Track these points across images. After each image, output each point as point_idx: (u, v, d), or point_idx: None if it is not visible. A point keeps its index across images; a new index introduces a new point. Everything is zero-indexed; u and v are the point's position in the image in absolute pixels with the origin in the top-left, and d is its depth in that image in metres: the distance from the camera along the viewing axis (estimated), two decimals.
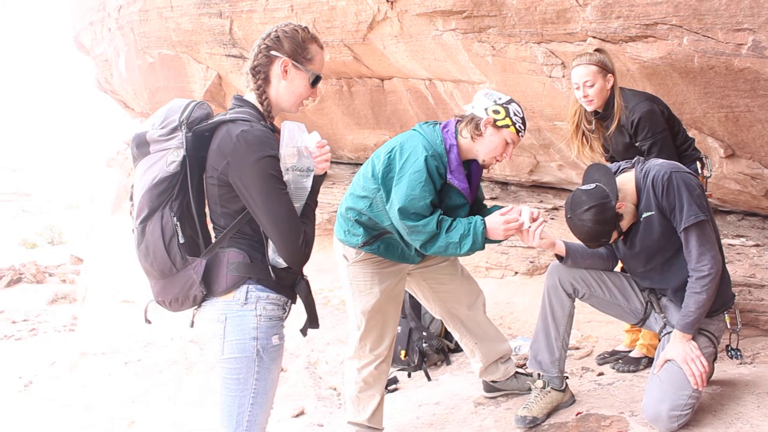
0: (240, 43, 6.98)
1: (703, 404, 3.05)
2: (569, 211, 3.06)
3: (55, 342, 10.61)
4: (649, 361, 3.80)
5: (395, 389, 4.51)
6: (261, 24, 6.30)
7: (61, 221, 27.24)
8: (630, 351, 4.03)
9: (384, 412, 3.65)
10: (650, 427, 2.96)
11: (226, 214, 2.33)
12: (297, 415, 4.52)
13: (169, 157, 2.27)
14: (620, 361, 3.98)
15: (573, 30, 4.24)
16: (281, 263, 2.36)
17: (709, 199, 3.57)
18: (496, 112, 3.11)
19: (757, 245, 4.93)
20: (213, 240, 2.39)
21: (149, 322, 2.52)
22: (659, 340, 3.24)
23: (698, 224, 2.90)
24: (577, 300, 3.35)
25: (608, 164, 3.31)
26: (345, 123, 7.42)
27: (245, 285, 2.31)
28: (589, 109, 3.73)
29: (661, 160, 3.10)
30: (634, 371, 3.84)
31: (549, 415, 3.35)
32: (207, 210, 2.43)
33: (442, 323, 4.77)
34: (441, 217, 3.09)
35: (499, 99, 3.15)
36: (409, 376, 4.65)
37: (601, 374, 3.94)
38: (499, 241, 3.23)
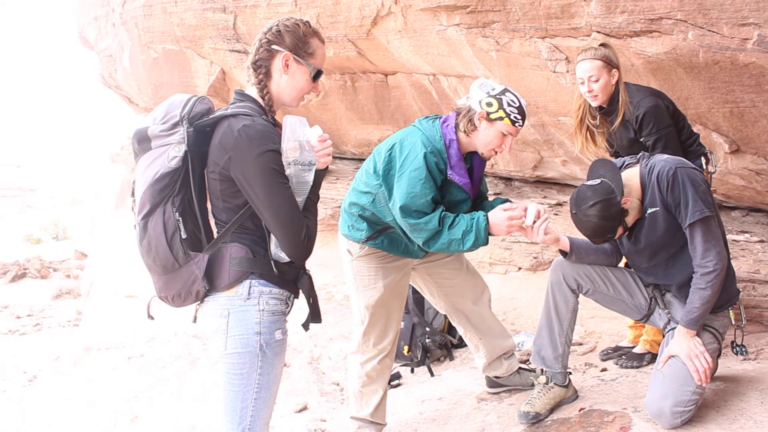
0: (244, 38, 6.97)
1: (706, 400, 3.04)
2: (574, 207, 3.05)
3: (59, 337, 10.63)
4: (653, 357, 3.79)
5: (398, 384, 4.51)
6: (265, 19, 6.30)
7: (65, 217, 27.27)
8: (633, 347, 4.03)
9: (387, 407, 3.65)
10: (653, 423, 2.95)
11: (227, 209, 2.33)
12: (300, 411, 4.52)
13: (170, 153, 2.27)
14: (623, 356, 3.97)
15: (577, 25, 4.22)
16: (284, 258, 2.36)
17: (714, 195, 3.56)
18: (489, 104, 3.05)
19: (762, 241, 4.92)
20: (215, 235, 2.38)
21: (152, 318, 2.52)
22: (663, 336, 3.23)
23: (703, 220, 2.88)
24: (580, 296, 3.34)
25: (613, 159, 3.29)
26: (348, 118, 7.41)
27: (248, 280, 2.31)
28: (594, 104, 3.72)
29: (665, 156, 3.09)
30: (637, 367, 3.83)
31: (552, 410, 3.35)
32: (209, 205, 2.42)
33: (445, 318, 4.78)
34: (443, 213, 3.07)
35: (492, 90, 3.07)
36: (412, 371, 4.65)
37: (604, 370, 3.93)
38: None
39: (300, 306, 2.51)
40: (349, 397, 3.66)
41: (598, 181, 3.02)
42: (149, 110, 10.05)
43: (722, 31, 3.62)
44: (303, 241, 2.27)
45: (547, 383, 3.37)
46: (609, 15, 3.99)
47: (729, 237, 4.92)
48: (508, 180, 7.17)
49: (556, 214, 5.98)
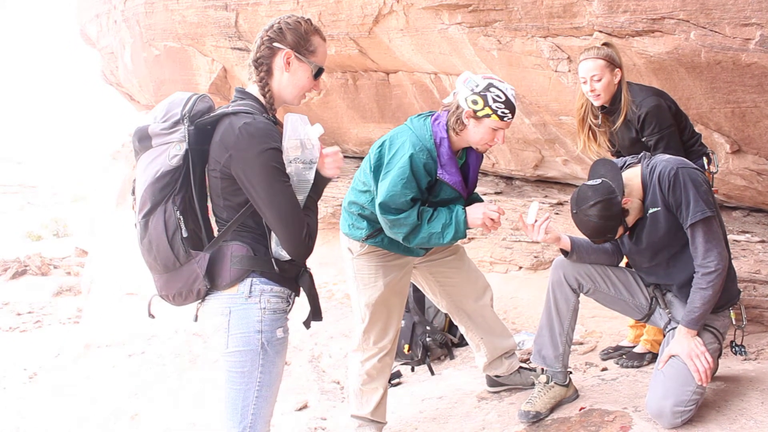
0: (245, 36, 6.98)
1: (706, 400, 3.04)
2: (575, 207, 3.05)
3: (59, 334, 10.62)
4: (653, 357, 3.79)
5: (398, 383, 4.51)
6: (267, 17, 6.30)
7: (66, 214, 27.28)
8: (634, 346, 4.03)
9: (387, 405, 3.66)
10: (654, 422, 2.95)
11: (228, 207, 2.32)
12: (300, 409, 4.52)
13: (171, 151, 2.26)
14: (624, 356, 3.97)
15: (579, 24, 4.22)
16: (285, 256, 2.36)
17: (715, 195, 3.56)
18: (475, 102, 3.00)
19: (763, 241, 4.92)
20: (216, 234, 2.38)
21: (153, 317, 2.52)
22: (664, 336, 3.23)
23: (705, 220, 2.88)
24: (581, 295, 3.34)
25: (614, 159, 3.29)
26: (350, 117, 7.41)
27: (249, 278, 2.31)
28: (596, 103, 3.71)
29: (667, 156, 3.09)
30: (637, 367, 3.83)
31: (552, 410, 3.35)
32: (209, 203, 2.42)
33: (446, 317, 4.78)
34: (422, 208, 3.07)
35: (477, 87, 3.00)
36: (413, 370, 4.66)
37: (604, 369, 3.94)
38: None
39: (301, 304, 2.51)
40: (350, 396, 3.66)
41: (598, 180, 3.02)
42: (150, 108, 10.05)
43: (724, 31, 3.61)
44: (304, 240, 2.27)
45: (547, 382, 3.37)
46: (611, 14, 3.98)
47: (730, 237, 4.92)
48: (509, 179, 7.17)
49: (557, 214, 5.97)
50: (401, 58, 5.91)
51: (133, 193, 2.35)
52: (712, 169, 3.75)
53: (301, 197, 2.32)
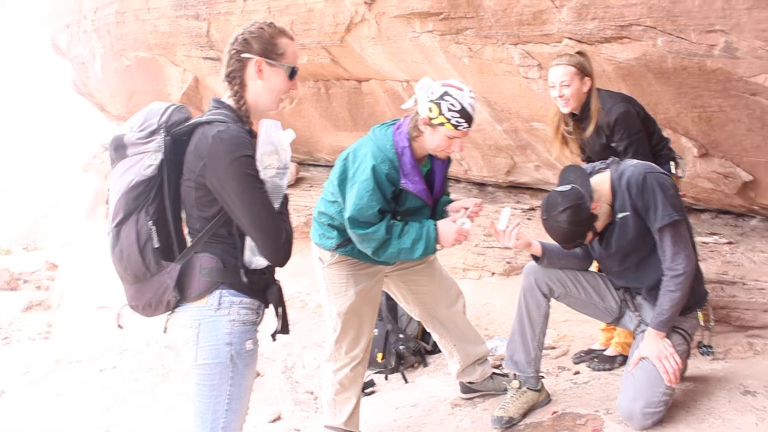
0: (217, 46, 6.95)
1: (676, 400, 3.06)
2: (545, 213, 3.07)
3: (29, 350, 10.43)
4: (624, 359, 3.81)
5: (372, 392, 4.49)
6: (238, 26, 6.18)
7: (36, 227, 26.91)
8: (605, 349, 4.04)
9: (361, 415, 3.63)
10: (624, 424, 2.97)
11: (201, 218, 2.30)
12: (273, 420, 4.48)
13: (146, 161, 2.25)
14: (596, 359, 3.99)
15: (549, 31, 4.26)
16: (260, 264, 2.34)
17: (683, 198, 3.60)
18: (430, 110, 2.97)
19: (730, 243, 4.99)
20: (188, 245, 2.36)
21: (121, 327, 2.49)
22: (634, 338, 3.25)
23: (673, 224, 2.91)
24: (552, 300, 3.36)
25: (583, 165, 3.32)
26: (322, 125, 7.41)
27: (218, 290, 2.29)
28: (564, 110, 3.74)
29: (635, 161, 3.12)
30: (609, 369, 3.85)
31: (525, 414, 3.35)
32: (183, 214, 2.40)
33: (419, 325, 4.77)
34: (391, 222, 3.05)
35: (432, 94, 2.96)
36: (386, 378, 4.64)
37: (577, 373, 3.95)
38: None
39: (272, 315, 2.50)
40: (323, 406, 3.63)
41: (568, 186, 3.04)
42: (122, 118, 10.00)
43: (690, 38, 3.66)
44: (283, 245, 2.26)
45: (520, 388, 3.38)
46: (580, 21, 4.03)
47: (698, 239, 4.98)
48: (481, 185, 7.20)
49: (530, 219, 6.01)
50: (373, 67, 5.92)
51: (107, 201, 2.33)
52: (679, 173, 3.80)
53: (276, 203, 2.30)
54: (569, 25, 4.10)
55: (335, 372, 3.49)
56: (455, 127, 2.97)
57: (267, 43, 2.34)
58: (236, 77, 2.35)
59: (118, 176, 2.29)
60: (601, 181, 3.11)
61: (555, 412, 3.28)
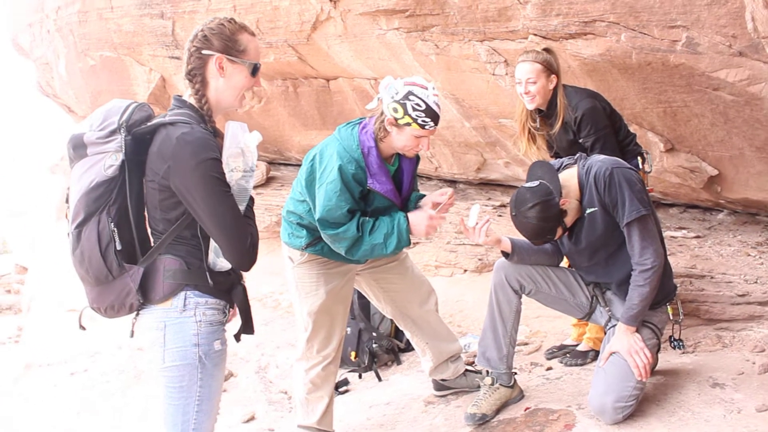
0: (183, 45, 6.85)
1: (647, 394, 3.09)
2: (514, 209, 3.07)
3: None
4: (596, 355, 3.83)
5: (346, 391, 4.48)
6: None
7: (4, 230, 26.45)
8: (577, 345, 4.07)
9: (335, 413, 3.62)
10: (596, 419, 2.99)
11: (165, 220, 2.26)
12: (247, 421, 4.46)
13: (107, 161, 2.19)
14: (568, 355, 4.01)
15: (514, 28, 4.27)
16: (224, 266, 2.31)
17: (651, 193, 3.63)
18: (395, 110, 2.95)
19: (698, 237, 5.05)
20: (152, 246, 2.33)
21: (84, 329, 2.46)
22: (605, 334, 3.28)
23: (640, 219, 2.94)
24: (524, 296, 3.37)
25: (551, 161, 3.33)
26: (291, 124, 7.37)
27: (183, 292, 2.26)
28: (530, 107, 3.74)
29: (602, 156, 3.14)
30: (581, 365, 3.88)
31: (498, 411, 3.36)
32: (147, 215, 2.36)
33: (392, 323, 4.77)
34: (361, 219, 3.04)
35: (396, 94, 2.94)
36: (360, 377, 4.63)
37: (549, 369, 3.97)
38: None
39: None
40: (296, 405, 3.62)
41: (536, 182, 3.05)
42: None
43: (653, 33, 3.70)
44: (249, 249, 2.22)
45: (492, 384, 3.39)
46: (545, 18, 4.05)
47: (667, 233, 5.04)
48: (452, 182, 7.22)
49: (500, 216, 6.04)
50: (341, 65, 5.90)
51: (67, 201, 2.28)
52: (646, 168, 3.82)
53: (242, 206, 2.27)
54: (534, 21, 4.11)
55: (307, 371, 3.47)
56: (422, 126, 2.96)
57: (228, 40, 2.29)
58: (197, 75, 2.30)
59: (78, 176, 2.23)
60: (570, 177, 3.13)
61: (528, 408, 3.30)
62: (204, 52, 2.27)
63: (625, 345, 2.99)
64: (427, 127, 2.96)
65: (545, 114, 3.79)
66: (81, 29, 8.01)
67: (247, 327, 2.48)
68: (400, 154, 3.20)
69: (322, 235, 3.08)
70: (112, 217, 2.20)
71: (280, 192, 7.72)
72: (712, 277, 4.26)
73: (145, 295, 2.25)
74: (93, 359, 6.61)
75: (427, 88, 2.97)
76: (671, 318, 3.24)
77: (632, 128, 4.21)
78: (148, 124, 2.24)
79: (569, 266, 3.48)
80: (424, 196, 3.31)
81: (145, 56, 7.61)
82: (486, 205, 6.37)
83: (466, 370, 3.80)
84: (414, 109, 2.92)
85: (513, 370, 3.44)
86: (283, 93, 6.95)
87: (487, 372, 3.43)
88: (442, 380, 3.79)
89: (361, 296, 4.55)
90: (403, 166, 3.26)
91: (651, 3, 3.56)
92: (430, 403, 3.81)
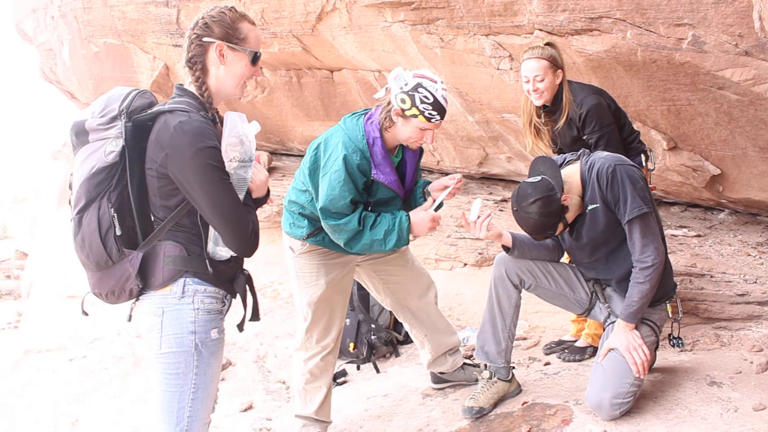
0: None
1: (644, 391, 3.10)
2: (515, 204, 3.07)
3: None
4: (595, 351, 3.84)
5: (344, 382, 4.50)
6: None
7: (6, 215, 26.49)
8: (576, 341, 4.08)
9: (332, 404, 3.64)
10: (593, 415, 3.00)
11: (164, 207, 2.27)
12: (245, 410, 4.47)
13: (107, 147, 2.20)
14: (566, 350, 4.02)
15: (520, 23, 4.26)
16: (223, 255, 2.32)
17: (653, 191, 3.63)
18: (403, 101, 2.96)
19: (699, 235, 5.05)
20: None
21: (86, 314, 2.47)
22: (604, 330, 3.28)
23: (641, 216, 2.94)
24: (524, 291, 3.38)
25: (554, 156, 3.33)
26: (294, 115, 7.37)
27: (182, 278, 2.27)
28: (537, 103, 3.73)
29: (605, 153, 3.14)
30: (579, 360, 3.89)
31: (495, 405, 3.38)
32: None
33: (391, 315, 4.77)
34: (364, 213, 3.05)
35: (405, 85, 2.95)
36: (358, 368, 4.64)
37: (547, 364, 3.98)
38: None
39: (240, 305, 2.48)
40: (294, 395, 3.63)
41: (538, 178, 3.05)
42: None
43: (659, 31, 3.69)
44: (250, 237, 2.24)
45: (490, 378, 3.40)
46: (551, 13, 4.03)
47: (668, 232, 5.04)
48: None
49: (501, 211, 6.04)
50: (345, 56, 5.89)
51: (71, 187, 2.30)
52: (650, 166, 3.82)
53: (241, 195, 2.28)
54: (540, 17, 4.10)
55: (306, 361, 3.49)
56: (428, 119, 2.97)
57: (228, 27, 2.29)
58: (197, 62, 2.31)
59: (80, 162, 2.25)
60: (572, 173, 3.13)
61: (525, 403, 3.31)
62: (205, 39, 2.28)
63: (623, 341, 2.99)
64: (433, 120, 2.98)
65: (550, 109, 3.78)
66: (85, 16, 7.99)
67: (254, 314, 2.50)
68: (404, 147, 3.21)
69: (323, 225, 3.08)
70: (112, 203, 2.22)
71: (281, 182, 7.72)
72: (711, 276, 4.27)
73: (145, 280, 2.26)
74: (92, 346, 6.63)
75: (436, 82, 2.98)
76: (670, 316, 3.25)
77: (636, 126, 4.20)
78: (149, 111, 2.25)
79: (570, 262, 3.48)
80: (430, 183, 3.31)
81: (149, 44, 7.60)
82: (487, 200, 6.37)
83: (465, 364, 3.82)
84: (422, 101, 2.94)
85: (511, 365, 3.45)
86: (286, 83, 6.94)
87: (485, 366, 3.44)
88: (440, 373, 3.80)
89: (360, 287, 4.57)
90: (406, 158, 3.27)
91: (658, 0, 3.55)
92: (428, 396, 3.82)
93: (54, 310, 8.17)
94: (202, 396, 2.34)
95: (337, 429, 3.73)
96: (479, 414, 3.32)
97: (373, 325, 4.72)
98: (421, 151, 3.35)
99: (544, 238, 3.18)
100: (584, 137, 3.68)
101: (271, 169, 8.36)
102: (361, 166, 3.01)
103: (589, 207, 3.08)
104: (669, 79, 3.98)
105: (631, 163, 3.08)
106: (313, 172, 3.12)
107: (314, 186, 3.11)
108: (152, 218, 2.32)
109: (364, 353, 4.66)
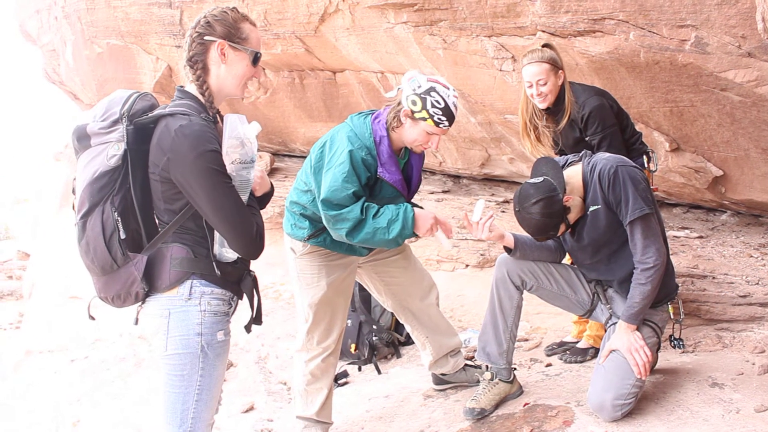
0: None
1: (646, 392, 3.10)
2: (517, 205, 3.07)
3: (0, 340, 10.34)
4: (596, 352, 3.84)
5: (345, 383, 4.50)
6: None
7: (8, 216, 26.51)
8: (577, 342, 4.08)
9: (334, 405, 3.64)
10: (595, 416, 3.00)
11: (169, 211, 2.27)
12: (246, 411, 4.47)
13: (109, 151, 2.20)
14: (568, 352, 4.02)
15: (523, 24, 4.26)
16: (229, 257, 2.32)
17: (656, 192, 3.64)
18: (414, 102, 2.97)
19: (701, 237, 5.05)
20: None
21: (93, 319, 2.47)
22: (605, 331, 3.28)
23: (643, 217, 2.93)
24: (526, 292, 3.37)
25: (556, 157, 3.33)
26: (297, 116, 7.37)
27: (189, 280, 2.27)
28: (542, 106, 3.71)
29: (607, 154, 3.14)
30: (581, 362, 3.88)
31: (497, 406, 3.37)
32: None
33: (392, 316, 4.77)
34: (366, 204, 3.03)
35: (419, 87, 2.96)
36: (360, 369, 4.64)
37: (549, 365, 3.98)
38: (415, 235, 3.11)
39: (246, 306, 2.48)
40: (295, 397, 3.63)
41: (540, 179, 3.05)
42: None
43: (662, 32, 3.69)
44: (255, 239, 2.24)
45: (492, 379, 3.39)
46: (554, 14, 4.03)
47: (670, 233, 5.04)
48: (456, 178, 7.22)
49: (503, 212, 6.04)
50: (348, 57, 5.90)
51: (74, 192, 2.29)
52: (652, 167, 3.82)
53: (244, 197, 2.28)
54: (543, 18, 4.10)
55: (307, 362, 3.48)
56: (436, 124, 2.98)
57: (230, 27, 2.30)
58: (198, 61, 2.31)
59: (82, 167, 2.24)
60: (574, 174, 3.12)
61: (527, 404, 3.30)
62: (206, 38, 2.28)
63: (625, 343, 2.99)
64: (441, 125, 2.99)
65: (552, 111, 3.77)
66: (89, 16, 8.00)
67: (257, 317, 2.49)
68: (409, 150, 3.21)
69: (324, 218, 3.06)
70: (116, 207, 2.21)
71: (283, 183, 7.72)
72: (713, 278, 4.27)
73: (152, 283, 2.26)
74: (93, 346, 6.64)
75: (449, 89, 3.00)
76: (672, 317, 3.24)
77: (638, 127, 4.20)
78: (150, 114, 2.25)
79: (572, 263, 3.48)
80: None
81: (152, 45, 7.60)
82: (489, 201, 6.38)
83: (466, 365, 3.81)
84: (433, 106, 2.95)
85: (513, 366, 3.44)
86: (289, 84, 6.95)
87: (487, 367, 3.43)
88: (442, 374, 3.80)
89: (362, 288, 4.56)
90: (411, 160, 3.28)
91: (661, 2, 3.55)
92: (429, 397, 3.82)
93: (56, 310, 8.18)
94: (207, 397, 2.34)
95: (338, 430, 3.73)
96: (481, 415, 3.31)
97: (374, 326, 4.72)
98: (423, 154, 3.35)
99: (546, 238, 3.18)
100: (587, 138, 3.67)
101: (273, 170, 8.37)
102: (366, 162, 3.02)
103: (591, 208, 3.07)
104: (672, 80, 3.97)
105: (633, 164, 3.07)
106: (318, 170, 3.11)
107: (317, 182, 3.11)
108: (157, 222, 2.33)
109: (366, 354, 4.66)
